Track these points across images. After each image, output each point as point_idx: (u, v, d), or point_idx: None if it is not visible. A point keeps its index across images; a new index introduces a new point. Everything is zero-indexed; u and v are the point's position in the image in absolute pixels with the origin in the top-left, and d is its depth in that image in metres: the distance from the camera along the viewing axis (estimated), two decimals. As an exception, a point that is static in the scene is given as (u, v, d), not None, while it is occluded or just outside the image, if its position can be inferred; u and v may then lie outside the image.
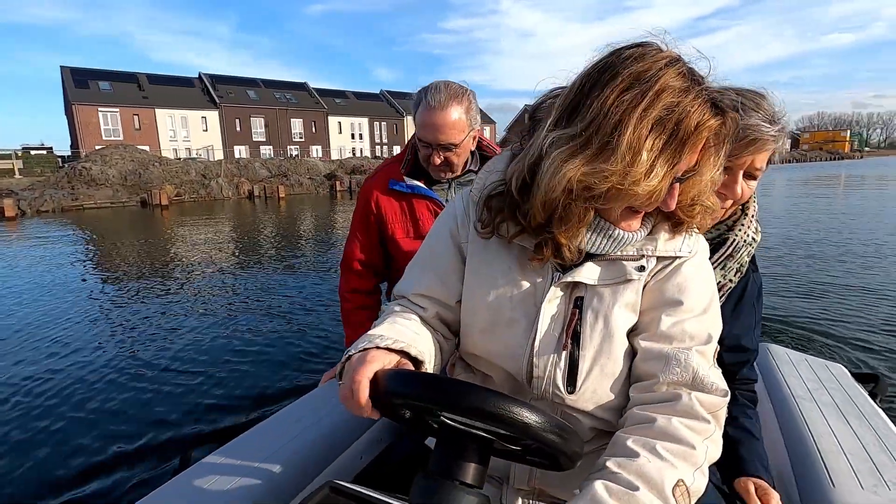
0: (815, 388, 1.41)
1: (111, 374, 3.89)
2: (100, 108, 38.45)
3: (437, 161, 1.46)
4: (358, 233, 1.63)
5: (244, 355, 4.17)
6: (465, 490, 0.65)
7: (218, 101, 44.37)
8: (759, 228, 1.19)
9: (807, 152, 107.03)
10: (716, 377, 0.75)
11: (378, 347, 0.72)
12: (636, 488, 0.63)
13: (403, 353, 0.74)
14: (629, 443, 0.68)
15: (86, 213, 18.83)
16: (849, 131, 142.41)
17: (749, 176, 1.05)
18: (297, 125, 49.19)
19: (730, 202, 1.06)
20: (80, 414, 3.27)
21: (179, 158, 30.24)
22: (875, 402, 1.39)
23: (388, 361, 0.70)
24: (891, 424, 1.24)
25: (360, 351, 0.72)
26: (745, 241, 1.13)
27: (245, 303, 5.88)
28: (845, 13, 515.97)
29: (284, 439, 1.20)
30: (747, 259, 1.16)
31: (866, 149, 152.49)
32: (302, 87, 52.65)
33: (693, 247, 0.82)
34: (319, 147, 49.62)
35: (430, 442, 1.00)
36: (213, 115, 44.20)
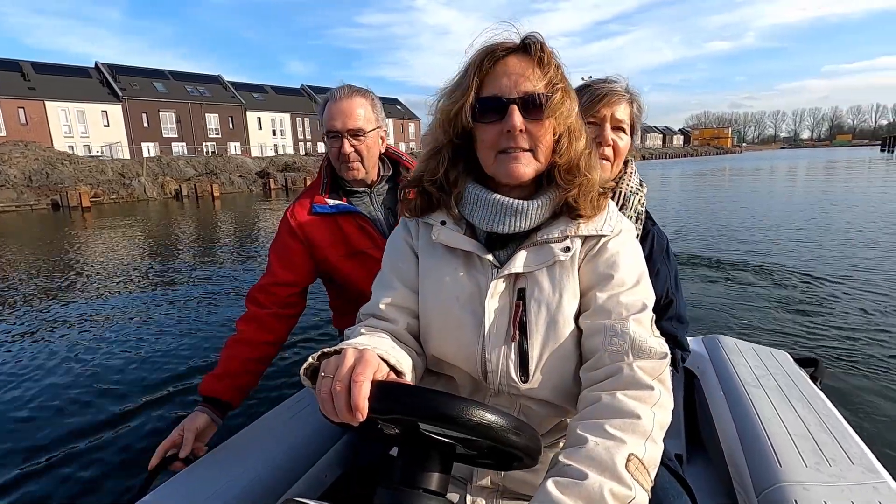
0: (762, 374, 1.48)
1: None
2: (-25, 101, 33.71)
3: (348, 149, 1.45)
4: (276, 264, 1.52)
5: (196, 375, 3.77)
6: (429, 498, 0.65)
7: (120, 93, 40.55)
8: (643, 182, 1.34)
9: (697, 147, 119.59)
10: (654, 342, 0.78)
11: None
12: (585, 476, 0.63)
13: (384, 361, 0.72)
14: (579, 430, 0.70)
15: None
16: (730, 129, 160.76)
17: (617, 128, 1.23)
18: (212, 120, 46.24)
19: (608, 150, 1.22)
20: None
21: (85, 156, 27.40)
22: (816, 384, 1.47)
23: (381, 367, 0.67)
24: (830, 405, 1.30)
25: (351, 348, 0.67)
26: (631, 189, 1.28)
27: (199, 318, 5.25)
28: (723, 23, 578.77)
29: (246, 462, 1.16)
30: (641, 208, 1.30)
31: (744, 144, 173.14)
32: (215, 79, 49.54)
33: (615, 226, 0.88)
34: (238, 144, 47.06)
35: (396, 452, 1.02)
36: (115, 109, 40.33)
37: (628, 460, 0.65)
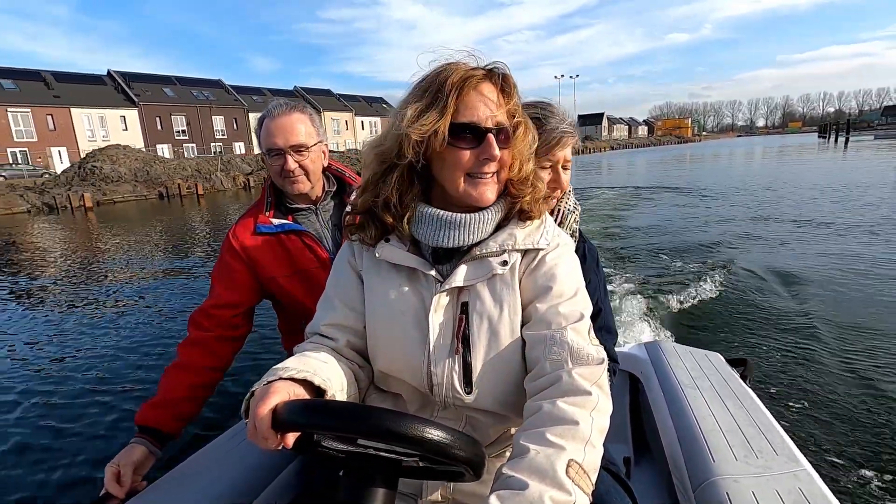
0: (697, 375, 1.56)
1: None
2: (9, 109, 36.54)
3: (292, 165, 1.43)
4: (219, 285, 1.50)
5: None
6: None
7: (136, 99, 43.80)
8: (577, 202, 1.44)
9: (661, 137, 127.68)
10: (592, 349, 0.82)
11: (282, 378, 0.75)
12: (525, 486, 0.65)
13: (307, 383, 0.76)
14: (521, 440, 0.73)
15: (118, 207, 20.81)
16: (690, 119, 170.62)
17: (564, 168, 1.30)
18: (218, 122, 49.77)
19: (559, 192, 1.32)
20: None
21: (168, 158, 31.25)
22: (745, 382, 1.57)
23: (291, 392, 0.72)
24: (758, 401, 1.40)
25: (263, 385, 0.74)
26: (569, 209, 1.39)
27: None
28: (682, 15, 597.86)
29: (190, 495, 1.14)
30: (576, 226, 1.41)
31: (704, 133, 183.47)
32: (217, 83, 52.86)
33: (552, 240, 0.93)
34: (242, 144, 50.65)
35: None
36: (132, 114, 43.56)
37: (568, 466, 0.67)
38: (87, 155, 25.13)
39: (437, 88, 0.84)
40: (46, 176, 27.80)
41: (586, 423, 0.73)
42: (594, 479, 0.70)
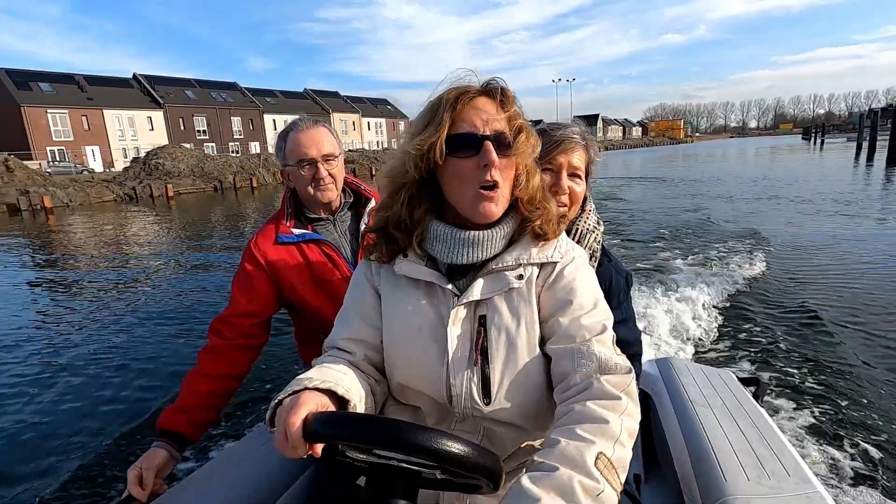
0: (709, 394, 1.55)
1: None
2: (49, 110, 39.35)
3: (324, 173, 1.51)
4: (240, 295, 1.55)
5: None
6: None
7: (161, 101, 46.72)
8: (601, 220, 1.41)
9: (654, 138, 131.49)
10: (619, 359, 0.85)
11: (307, 388, 0.78)
12: (555, 468, 0.68)
13: (330, 393, 0.80)
14: (553, 435, 0.76)
15: (182, 198, 23.82)
16: (682, 120, 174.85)
17: (573, 175, 1.28)
18: (236, 123, 52.80)
19: (565, 197, 1.27)
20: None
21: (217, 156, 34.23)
22: (757, 402, 1.55)
23: (319, 403, 0.75)
24: (770, 421, 1.38)
25: (290, 395, 0.77)
26: (588, 228, 1.35)
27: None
28: (676, 15, 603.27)
29: (209, 499, 1.17)
30: (597, 246, 1.36)
31: (696, 134, 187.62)
32: (233, 86, 55.77)
33: (566, 252, 0.96)
34: (257, 143, 53.61)
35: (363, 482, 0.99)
36: (157, 115, 46.54)
37: (597, 458, 0.70)
38: (148, 153, 28.24)
39: (435, 107, 0.90)
40: (86, 173, 30.66)
41: (616, 423, 0.75)
42: (622, 477, 0.72)
